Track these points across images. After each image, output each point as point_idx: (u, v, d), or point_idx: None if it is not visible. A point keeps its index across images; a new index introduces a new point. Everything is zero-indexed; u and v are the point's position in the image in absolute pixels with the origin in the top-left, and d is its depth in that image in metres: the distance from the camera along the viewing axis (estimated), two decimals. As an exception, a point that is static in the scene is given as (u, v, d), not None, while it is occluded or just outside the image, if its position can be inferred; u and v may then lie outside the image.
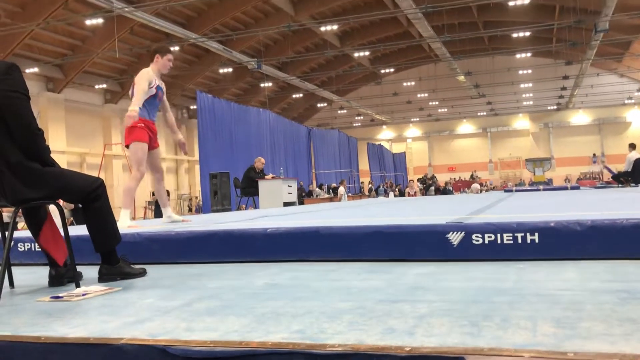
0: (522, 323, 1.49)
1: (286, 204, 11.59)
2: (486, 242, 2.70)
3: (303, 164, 21.66)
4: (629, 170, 14.67)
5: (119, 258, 2.78)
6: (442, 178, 36.10)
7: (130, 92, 5.02)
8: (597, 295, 1.83)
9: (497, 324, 1.49)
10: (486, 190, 28.41)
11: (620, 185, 15.43)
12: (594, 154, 40.20)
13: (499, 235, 2.68)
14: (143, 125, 4.82)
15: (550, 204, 5.56)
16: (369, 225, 3.05)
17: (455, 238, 2.75)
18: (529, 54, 33.41)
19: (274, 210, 8.01)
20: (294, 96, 38.28)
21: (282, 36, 29.64)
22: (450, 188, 29.47)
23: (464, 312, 1.65)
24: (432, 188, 27.66)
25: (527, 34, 29.44)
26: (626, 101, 40.74)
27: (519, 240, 2.65)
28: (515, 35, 29.85)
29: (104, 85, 26.98)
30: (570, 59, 30.75)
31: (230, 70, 29.40)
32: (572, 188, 18.82)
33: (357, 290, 2.12)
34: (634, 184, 14.49)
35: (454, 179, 37.77)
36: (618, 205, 4.72)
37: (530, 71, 35.67)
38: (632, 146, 15.24)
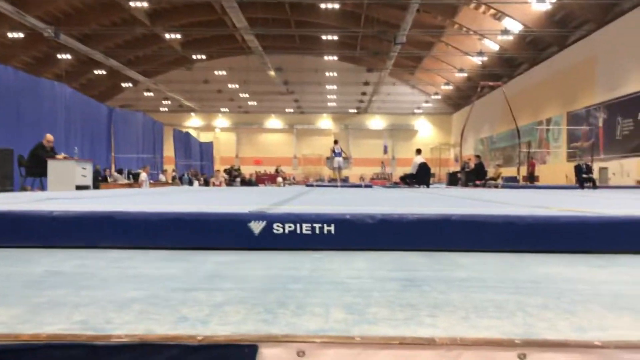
0: (315, 310, 1.52)
1: (79, 188, 10.78)
2: (286, 231, 2.74)
3: (101, 146, 20.27)
4: (414, 172, 16.33)
5: None
6: (248, 170, 36.54)
7: None
8: (384, 283, 1.95)
9: (292, 311, 1.50)
10: (289, 184, 29.44)
11: (406, 185, 17.06)
12: (385, 146, 43.52)
13: (298, 226, 2.75)
14: None
15: (347, 199, 5.91)
16: (169, 212, 2.92)
17: (256, 227, 2.75)
18: (335, 57, 35.35)
19: (65, 193, 7.37)
20: (95, 72, 35.70)
21: (86, 6, 27.46)
22: (254, 180, 29.98)
23: (261, 300, 1.65)
24: (238, 179, 27.88)
25: (335, 37, 31.10)
26: (415, 111, 45.18)
27: (317, 231, 2.74)
28: (324, 37, 31.36)
29: None
30: (371, 66, 33.18)
31: (21, 35, 26.41)
32: (366, 186, 20.37)
33: (150, 279, 2.00)
34: (417, 185, 16.12)
35: (260, 171, 38.47)
36: (405, 202, 5.17)
37: (335, 74, 37.74)
38: (418, 151, 16.99)
